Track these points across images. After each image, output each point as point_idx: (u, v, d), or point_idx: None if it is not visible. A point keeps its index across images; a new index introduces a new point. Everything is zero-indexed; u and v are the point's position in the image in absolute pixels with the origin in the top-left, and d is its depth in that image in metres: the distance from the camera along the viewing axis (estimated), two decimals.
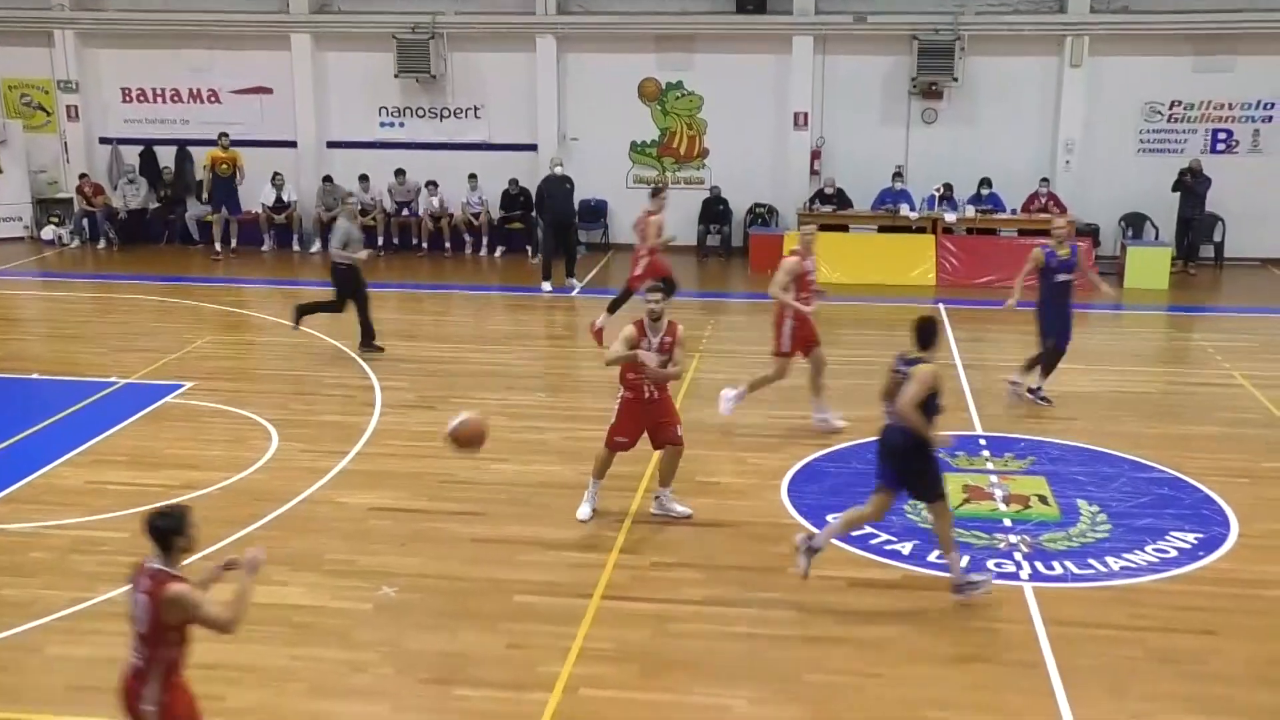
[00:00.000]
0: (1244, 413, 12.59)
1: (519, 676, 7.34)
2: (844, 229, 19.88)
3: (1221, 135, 20.15)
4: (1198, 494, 10.26)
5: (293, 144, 21.87)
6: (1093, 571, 8.78)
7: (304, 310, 14.54)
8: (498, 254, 21.21)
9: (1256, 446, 11.52)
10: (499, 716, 6.99)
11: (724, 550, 9.13)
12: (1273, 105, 19.90)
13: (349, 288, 14.19)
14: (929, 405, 7.93)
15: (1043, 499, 10.14)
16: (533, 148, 21.29)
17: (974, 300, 17.48)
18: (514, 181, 21.04)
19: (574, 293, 17.98)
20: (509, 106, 21.45)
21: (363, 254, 14.20)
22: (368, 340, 14.37)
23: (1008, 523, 9.67)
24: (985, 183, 19.83)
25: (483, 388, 13.10)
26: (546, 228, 18.32)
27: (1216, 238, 20.17)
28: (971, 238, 19.26)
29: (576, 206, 19.67)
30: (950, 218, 19.29)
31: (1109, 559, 8.98)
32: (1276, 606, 8.35)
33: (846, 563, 8.89)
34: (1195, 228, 19.57)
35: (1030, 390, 12.53)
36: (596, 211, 21.71)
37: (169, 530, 5.45)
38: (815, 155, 20.84)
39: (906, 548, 9.16)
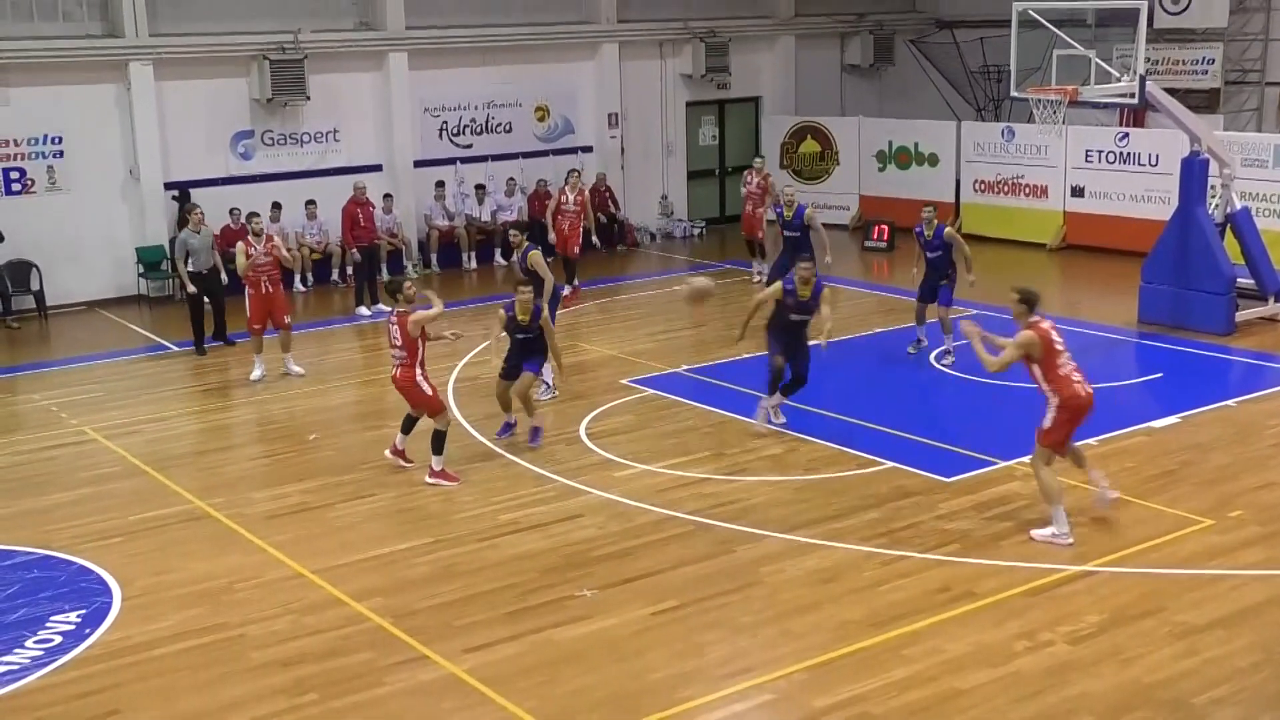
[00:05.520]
0: (104, 469, 12.16)
1: None
2: None
3: (15, 175, 18.87)
4: (73, 567, 9.67)
5: None
6: None
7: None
8: None
9: (123, 501, 11.23)
10: None
11: None
12: (60, 139, 19.06)
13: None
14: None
15: None
16: None
17: None
18: None
19: None
20: None
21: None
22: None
23: None
24: None
25: None
26: None
27: (35, 286, 18.83)
28: None
29: None
30: None
31: None
32: (172, 663, 8.16)
33: None
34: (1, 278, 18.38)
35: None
36: None
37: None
38: None
39: None
